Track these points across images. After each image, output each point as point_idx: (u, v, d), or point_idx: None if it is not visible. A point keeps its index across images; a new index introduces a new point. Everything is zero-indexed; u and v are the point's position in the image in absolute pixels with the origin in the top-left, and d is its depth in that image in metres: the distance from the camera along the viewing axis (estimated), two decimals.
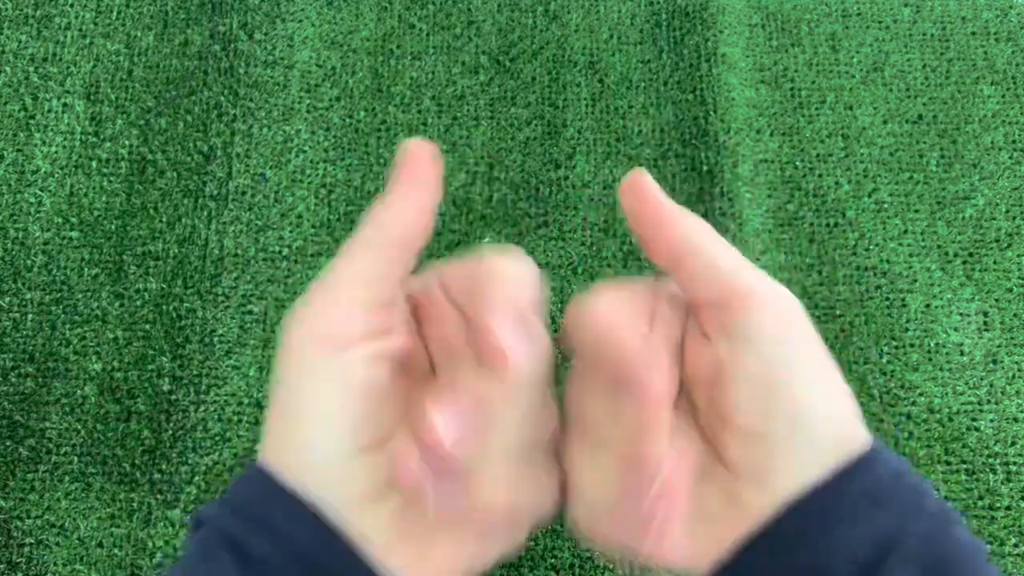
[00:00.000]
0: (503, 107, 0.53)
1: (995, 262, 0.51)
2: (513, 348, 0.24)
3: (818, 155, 0.53)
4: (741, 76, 0.55)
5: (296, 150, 0.52)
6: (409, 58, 0.54)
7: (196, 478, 0.45)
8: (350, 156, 0.52)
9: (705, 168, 0.52)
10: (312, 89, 0.53)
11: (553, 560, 0.44)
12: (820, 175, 0.53)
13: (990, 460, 0.47)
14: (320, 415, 0.23)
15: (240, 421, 0.46)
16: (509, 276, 0.25)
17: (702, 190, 0.52)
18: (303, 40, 0.54)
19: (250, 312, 0.48)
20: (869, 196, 0.52)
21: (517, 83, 0.54)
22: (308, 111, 0.53)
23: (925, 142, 0.54)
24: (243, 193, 0.51)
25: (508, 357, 0.24)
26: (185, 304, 0.48)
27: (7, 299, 0.48)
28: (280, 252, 0.50)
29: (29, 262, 0.49)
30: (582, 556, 0.44)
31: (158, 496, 0.45)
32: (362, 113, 0.53)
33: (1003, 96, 0.55)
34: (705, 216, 0.50)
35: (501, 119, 0.53)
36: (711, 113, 0.53)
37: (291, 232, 0.50)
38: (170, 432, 0.46)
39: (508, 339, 0.24)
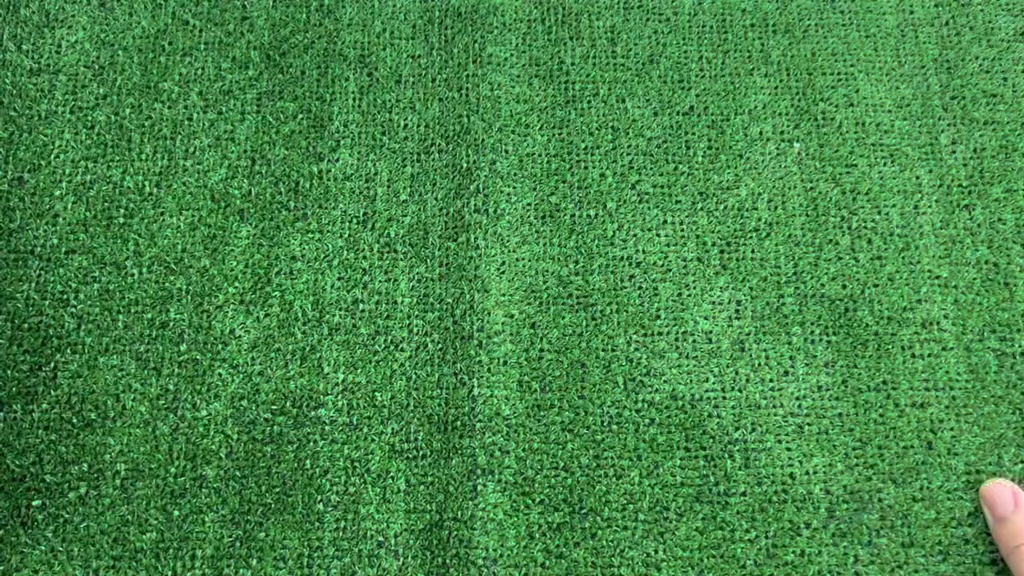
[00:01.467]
0: (269, 101, 0.54)
1: (753, 251, 0.52)
2: None
3: (586, 147, 0.55)
4: (512, 73, 0.56)
5: (56, 151, 0.52)
6: (180, 54, 0.55)
7: None
8: (112, 152, 0.53)
9: (464, 166, 0.53)
10: (78, 90, 0.54)
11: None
12: (586, 167, 0.54)
13: (729, 446, 0.48)
14: None
15: None
16: None
17: (460, 186, 0.53)
18: (72, 44, 0.55)
19: None
20: (632, 187, 0.54)
21: (286, 77, 0.55)
22: (72, 112, 0.53)
23: (693, 133, 0.55)
24: None
25: None
26: None
27: None
28: (32, 251, 0.50)
29: None
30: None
31: None
32: (127, 110, 0.54)
33: (775, 88, 0.56)
34: (460, 212, 0.52)
35: (267, 113, 0.54)
36: (474, 113, 0.54)
37: (45, 231, 0.51)
38: None
39: None
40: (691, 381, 0.49)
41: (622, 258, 0.52)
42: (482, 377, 0.48)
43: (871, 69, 0.57)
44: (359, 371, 0.49)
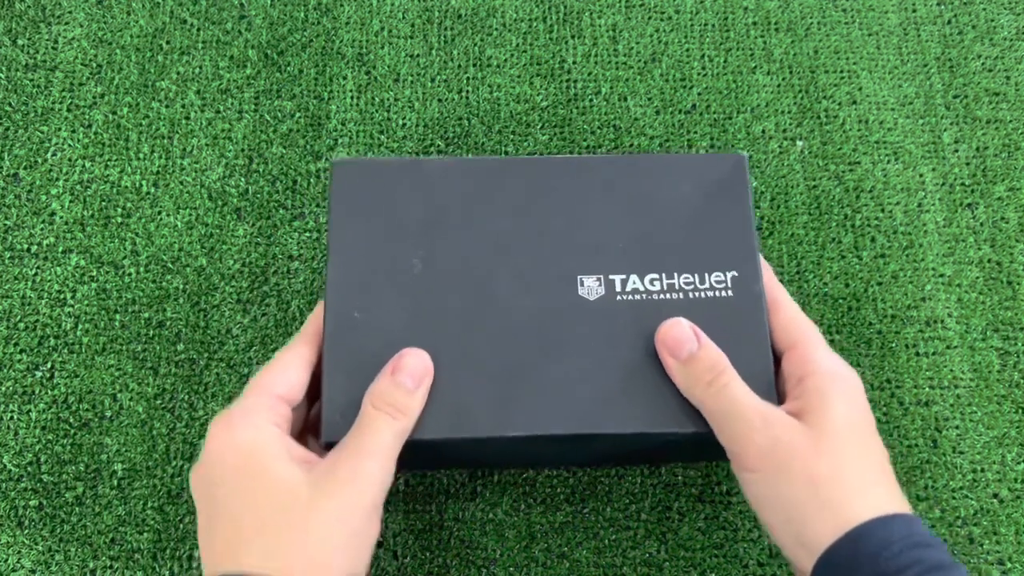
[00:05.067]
0: (267, 100, 0.56)
1: None
2: None
3: (588, 146, 0.56)
4: (512, 74, 0.58)
5: (53, 149, 0.54)
6: (177, 53, 0.57)
7: None
8: (109, 151, 0.54)
9: None
10: (75, 88, 0.56)
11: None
12: None
13: None
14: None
15: None
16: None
17: None
18: (68, 41, 0.57)
19: None
20: None
21: (284, 76, 0.57)
22: (69, 110, 0.55)
23: (696, 132, 0.57)
24: None
25: None
26: None
27: None
28: (29, 250, 0.52)
29: None
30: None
31: None
32: (125, 109, 0.56)
33: (778, 86, 0.58)
34: None
35: (264, 112, 0.56)
36: (473, 116, 0.56)
37: (42, 230, 0.52)
38: None
39: None
40: None
41: None
42: None
43: (874, 67, 0.59)
44: None
